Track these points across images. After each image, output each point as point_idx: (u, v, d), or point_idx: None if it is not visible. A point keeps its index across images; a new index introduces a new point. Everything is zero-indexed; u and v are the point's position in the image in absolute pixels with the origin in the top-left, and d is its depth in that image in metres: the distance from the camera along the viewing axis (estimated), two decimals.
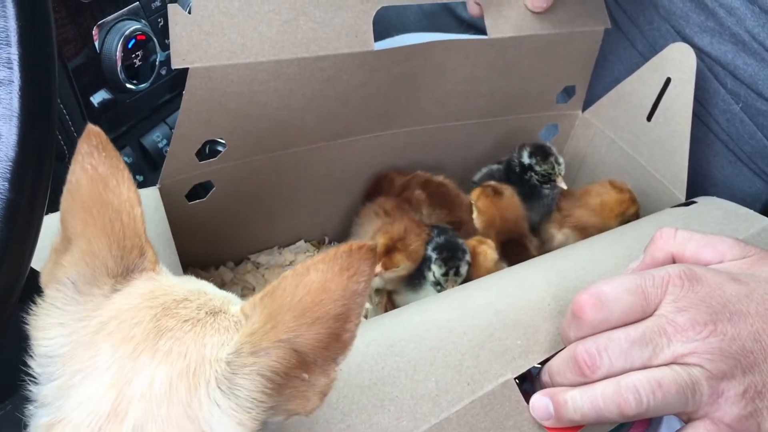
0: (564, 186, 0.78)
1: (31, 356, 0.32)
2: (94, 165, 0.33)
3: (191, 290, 0.34)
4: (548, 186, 0.79)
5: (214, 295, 0.34)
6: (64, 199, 0.33)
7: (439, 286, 0.69)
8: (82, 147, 0.33)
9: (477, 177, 0.85)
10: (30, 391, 0.31)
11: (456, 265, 0.68)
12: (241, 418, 0.30)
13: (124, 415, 0.29)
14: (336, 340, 0.30)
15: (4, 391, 0.64)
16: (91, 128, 0.34)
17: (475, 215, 0.76)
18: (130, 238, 0.33)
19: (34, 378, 0.31)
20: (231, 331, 0.31)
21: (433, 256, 0.69)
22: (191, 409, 0.29)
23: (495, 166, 0.85)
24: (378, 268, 0.67)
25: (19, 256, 0.34)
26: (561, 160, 0.79)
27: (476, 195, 0.76)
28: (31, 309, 0.32)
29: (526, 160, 0.79)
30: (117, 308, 0.32)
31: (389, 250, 0.67)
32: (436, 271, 0.69)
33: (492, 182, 0.77)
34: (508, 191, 0.76)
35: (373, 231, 0.71)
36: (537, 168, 0.78)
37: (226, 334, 0.31)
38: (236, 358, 0.30)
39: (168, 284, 0.34)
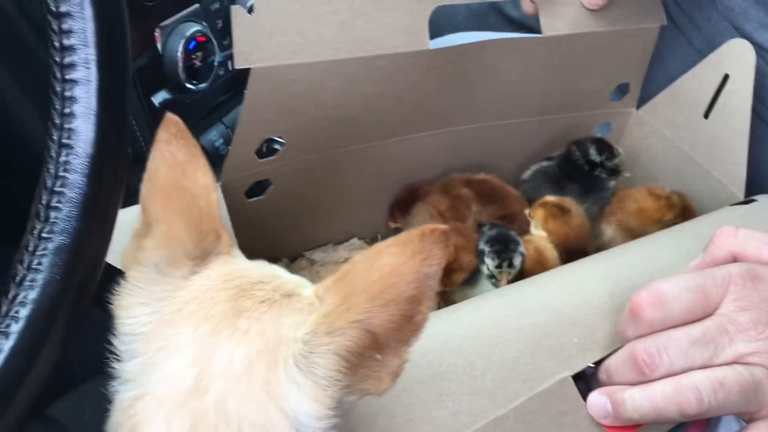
0: (628, 174, 0.79)
1: (114, 335, 0.33)
2: (173, 152, 0.35)
3: (265, 273, 0.35)
4: (614, 177, 0.79)
5: (287, 279, 0.35)
6: (144, 186, 0.35)
7: (493, 279, 0.69)
8: (161, 135, 0.35)
9: (527, 175, 0.85)
10: (114, 368, 0.33)
11: (509, 256, 0.68)
12: (317, 395, 0.31)
13: (206, 390, 0.30)
14: (408, 322, 0.31)
15: (71, 381, 0.66)
16: (170, 117, 0.35)
17: (538, 231, 0.75)
18: (206, 222, 0.34)
19: (118, 356, 0.33)
20: (305, 312, 0.32)
21: (486, 249, 0.69)
22: (270, 386, 0.30)
23: (545, 163, 0.84)
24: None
25: (96, 250, 0.35)
26: (621, 150, 0.80)
27: (542, 216, 0.75)
28: (114, 291, 0.34)
29: (595, 157, 0.79)
30: (196, 289, 0.33)
31: (446, 273, 0.68)
32: (489, 264, 0.69)
33: (552, 199, 0.76)
34: (574, 207, 0.75)
35: None
36: (608, 163, 0.78)
37: (301, 315, 0.32)
38: (312, 337, 0.31)
39: (243, 267, 0.35)
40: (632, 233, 0.76)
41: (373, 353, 0.32)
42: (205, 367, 0.30)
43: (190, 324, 0.32)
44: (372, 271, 0.31)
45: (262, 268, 0.36)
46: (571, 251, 0.72)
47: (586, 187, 0.79)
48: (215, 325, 0.31)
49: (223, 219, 0.59)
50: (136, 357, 0.32)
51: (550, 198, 0.76)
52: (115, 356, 0.33)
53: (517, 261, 0.69)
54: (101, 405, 0.70)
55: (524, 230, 0.76)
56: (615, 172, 0.79)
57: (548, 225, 0.74)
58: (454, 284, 0.68)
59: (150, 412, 0.30)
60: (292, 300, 0.33)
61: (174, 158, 0.35)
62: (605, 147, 0.79)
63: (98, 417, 0.69)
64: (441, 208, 0.74)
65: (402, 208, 0.79)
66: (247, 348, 0.31)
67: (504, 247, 0.69)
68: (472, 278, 0.71)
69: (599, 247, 0.79)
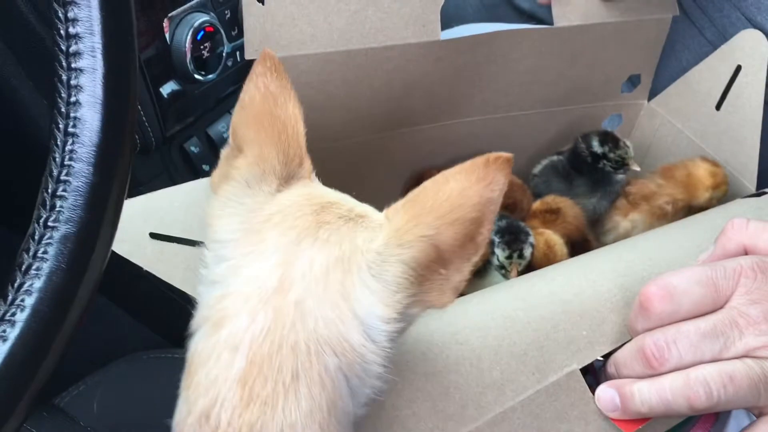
0: (637, 168, 0.77)
1: (204, 244, 0.37)
2: (266, 84, 0.38)
3: (342, 197, 0.38)
4: (621, 171, 0.78)
5: (360, 204, 0.38)
6: (237, 113, 0.39)
7: (503, 269, 0.69)
8: (257, 68, 0.38)
9: (537, 169, 0.84)
10: (200, 273, 0.37)
11: (519, 247, 0.68)
12: (387, 299, 0.34)
13: (288, 289, 0.33)
14: (471, 241, 0.34)
15: (78, 372, 0.66)
16: (266, 52, 0.39)
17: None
18: (293, 147, 0.38)
19: (204, 262, 0.37)
20: (377, 230, 0.35)
21: (496, 239, 0.69)
22: (345, 289, 0.34)
23: (555, 158, 0.84)
24: None
25: (102, 239, 0.35)
26: (629, 143, 0.78)
27: (541, 225, 0.75)
28: (210, 201, 0.38)
29: (597, 149, 0.78)
30: (282, 203, 0.36)
31: None
32: (499, 254, 0.69)
33: (537, 206, 0.76)
34: (561, 202, 0.75)
35: None
36: (611, 155, 0.77)
37: (374, 231, 0.35)
38: (384, 248, 0.34)
39: (322, 190, 0.39)
40: (649, 213, 0.76)
41: (438, 267, 0.34)
42: (288, 269, 0.34)
43: (275, 232, 0.35)
44: (439, 193, 0.34)
45: (339, 194, 0.39)
46: (575, 241, 0.72)
47: (594, 180, 0.78)
48: (298, 234, 0.35)
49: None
50: (224, 261, 0.35)
51: (536, 206, 0.75)
52: (202, 263, 0.37)
53: (527, 252, 0.69)
54: (109, 395, 0.70)
55: (525, 217, 0.76)
56: (620, 164, 0.78)
57: (551, 230, 0.74)
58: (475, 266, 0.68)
59: (237, 307, 0.33)
60: (366, 219, 0.36)
61: (267, 89, 0.38)
62: (609, 138, 0.78)
63: (106, 407, 0.69)
64: None
65: None
66: (327, 255, 0.34)
67: (514, 238, 0.69)
68: (482, 269, 0.71)
69: (610, 240, 0.78)
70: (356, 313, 0.33)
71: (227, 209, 0.37)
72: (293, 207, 0.36)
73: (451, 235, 0.34)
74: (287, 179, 0.37)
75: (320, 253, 0.34)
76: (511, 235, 0.69)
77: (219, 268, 0.35)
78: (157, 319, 0.87)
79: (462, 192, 0.33)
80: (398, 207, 0.35)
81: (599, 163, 0.78)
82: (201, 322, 0.35)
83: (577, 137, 0.80)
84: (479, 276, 0.71)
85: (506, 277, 0.69)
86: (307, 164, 0.39)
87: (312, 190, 0.38)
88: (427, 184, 0.35)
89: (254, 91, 0.38)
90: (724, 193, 0.74)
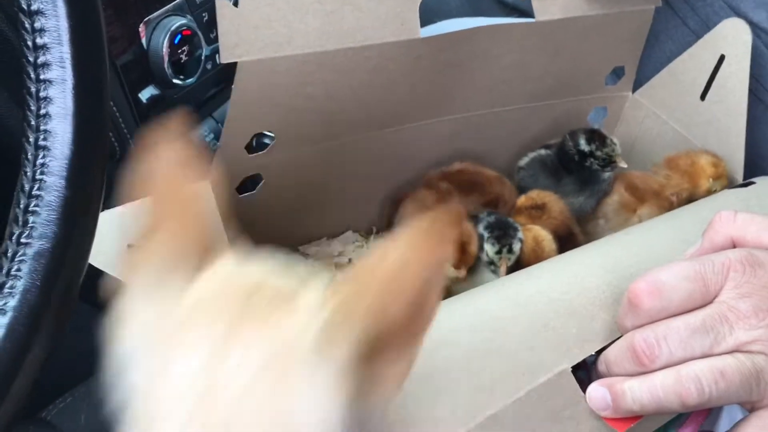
0: (625, 165, 0.77)
1: (117, 344, 0.32)
2: (172, 154, 0.34)
3: (270, 272, 0.34)
4: (609, 168, 0.78)
5: (293, 275, 0.34)
6: (143, 190, 0.34)
7: (492, 265, 0.68)
8: (161, 138, 0.34)
9: (523, 162, 0.83)
10: (114, 378, 0.32)
11: (508, 242, 0.67)
12: (330, 394, 0.30)
13: (216, 399, 0.29)
14: (419, 317, 0.31)
15: (65, 384, 0.65)
16: (170, 120, 0.34)
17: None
18: (204, 226, 0.33)
19: (119, 368, 0.32)
20: (316, 309, 0.31)
21: (485, 234, 0.68)
22: (281, 395, 0.30)
23: (543, 152, 0.83)
24: (462, 272, 0.66)
25: (78, 254, 0.35)
26: (616, 140, 0.77)
27: (527, 221, 0.74)
28: (118, 298, 0.33)
29: (584, 147, 0.77)
30: (200, 295, 0.32)
31: (463, 249, 0.66)
32: (489, 250, 0.68)
33: (522, 201, 0.75)
34: (546, 197, 0.74)
35: None
36: (598, 153, 0.77)
37: (311, 312, 0.31)
38: (323, 335, 0.30)
39: (245, 268, 0.34)
40: (657, 206, 0.76)
41: (383, 352, 0.31)
42: (214, 376, 0.29)
43: (195, 333, 0.31)
44: (382, 263, 0.30)
45: (265, 268, 0.34)
46: (561, 236, 0.72)
47: (582, 180, 0.78)
48: (221, 333, 0.30)
49: (213, 218, 0.58)
50: (139, 369, 0.31)
51: (521, 201, 0.74)
52: (116, 366, 0.32)
53: (516, 247, 0.68)
54: (96, 408, 0.69)
55: (510, 211, 0.75)
56: (608, 162, 0.77)
57: (537, 225, 0.73)
58: (471, 262, 0.67)
59: (160, 421, 0.29)
60: (300, 298, 0.32)
61: (173, 160, 0.34)
62: (596, 137, 0.77)
63: (93, 420, 0.68)
64: (428, 204, 0.72)
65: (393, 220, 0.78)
66: (257, 356, 0.30)
67: (503, 233, 0.68)
68: (472, 268, 0.70)
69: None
70: (297, 411, 0.29)
71: (137, 305, 0.32)
72: (213, 300, 0.32)
73: (397, 311, 0.30)
74: (203, 262, 0.33)
75: (249, 354, 0.30)
76: (501, 230, 0.69)
77: (134, 377, 0.31)
78: None
79: (403, 266, 0.30)
80: (336, 288, 0.31)
81: (586, 161, 0.77)
82: None
83: (565, 135, 0.79)
84: (469, 274, 0.70)
85: (495, 273, 0.69)
86: (224, 240, 0.36)
87: (234, 270, 0.33)
88: (365, 261, 0.31)
89: (157, 162, 0.33)
90: (722, 187, 0.74)
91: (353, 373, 0.30)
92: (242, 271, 0.33)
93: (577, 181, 0.78)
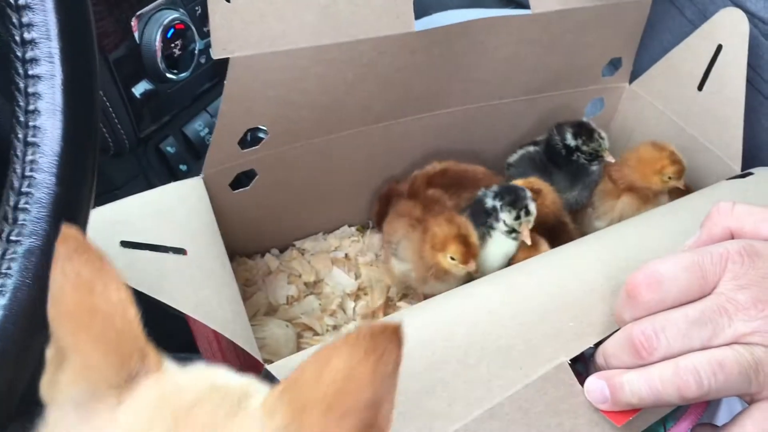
0: (612, 159, 0.76)
1: None
2: (76, 270, 0.30)
3: (204, 389, 0.30)
4: (596, 162, 0.77)
5: (230, 389, 0.31)
6: (50, 310, 0.30)
7: (513, 233, 0.67)
8: (60, 251, 0.30)
9: (513, 159, 0.83)
10: None
11: (524, 204, 0.66)
12: None
13: None
14: (370, 429, 0.28)
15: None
16: (67, 231, 0.30)
17: None
18: (127, 343, 0.30)
19: None
20: (261, 423, 0.28)
21: (497, 204, 0.67)
22: None
23: (532, 148, 0.82)
24: (472, 265, 0.65)
25: None
26: (604, 134, 0.77)
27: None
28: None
29: (570, 141, 0.77)
30: (126, 423, 0.29)
31: (465, 242, 0.65)
32: (506, 218, 0.67)
33: (525, 182, 0.74)
34: (543, 185, 0.73)
35: (418, 240, 0.68)
36: (584, 147, 0.76)
37: (256, 426, 0.28)
38: None
39: (177, 386, 0.31)
40: (639, 194, 0.76)
41: None
42: None
43: None
44: (323, 377, 0.27)
45: (199, 381, 0.31)
46: (551, 227, 0.71)
47: (572, 174, 0.77)
48: None
49: (206, 214, 0.58)
50: None
51: (517, 182, 0.73)
52: None
53: (532, 207, 0.67)
54: None
55: None
56: (594, 156, 0.77)
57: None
58: (477, 252, 0.67)
59: None
60: (238, 419, 0.29)
61: (79, 276, 0.30)
62: (583, 131, 0.77)
63: None
64: (416, 215, 0.71)
65: (385, 217, 0.77)
66: None
67: (515, 197, 0.67)
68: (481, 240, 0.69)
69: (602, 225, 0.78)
70: None
71: None
72: (141, 426, 0.28)
73: (345, 430, 0.27)
74: (129, 382, 0.29)
75: None
76: (511, 194, 0.68)
77: None
78: None
79: (349, 372, 0.27)
80: (277, 397, 0.28)
81: (573, 155, 0.77)
82: None
83: (552, 128, 0.79)
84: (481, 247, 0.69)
85: (516, 240, 0.68)
86: (152, 355, 0.31)
87: (165, 390, 0.30)
88: (307, 364, 0.28)
89: (62, 280, 0.30)
90: (677, 172, 0.74)
91: None
92: (175, 389, 0.30)
93: (568, 177, 0.77)
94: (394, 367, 0.27)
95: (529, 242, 0.67)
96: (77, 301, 0.29)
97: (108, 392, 0.29)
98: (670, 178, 0.74)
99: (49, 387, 0.30)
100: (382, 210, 0.78)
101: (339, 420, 0.27)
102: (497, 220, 0.68)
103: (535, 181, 0.73)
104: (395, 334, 0.27)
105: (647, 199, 0.77)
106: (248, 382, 0.31)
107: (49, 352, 0.30)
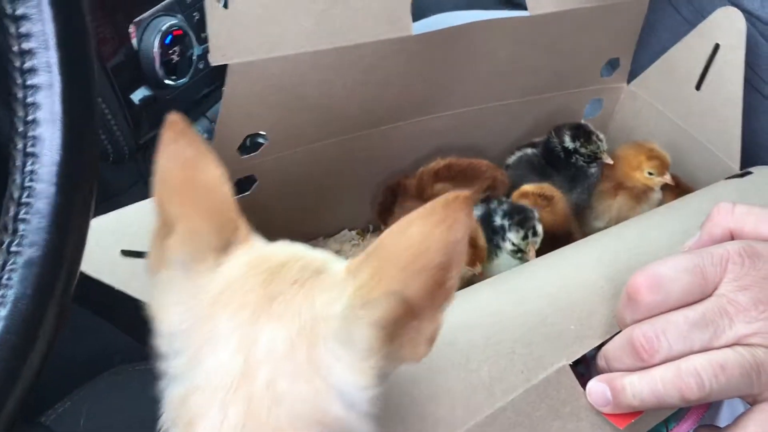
0: (610, 161, 0.77)
1: (155, 336, 0.34)
2: (181, 150, 0.35)
3: (291, 254, 0.35)
4: (594, 164, 0.77)
5: (314, 257, 0.35)
6: (157, 188, 0.35)
7: (519, 252, 0.67)
8: (166, 135, 0.35)
9: (511, 160, 0.83)
10: (158, 367, 0.34)
11: (531, 225, 0.67)
12: (359, 366, 0.32)
13: (254, 375, 0.31)
14: (440, 288, 0.32)
15: (64, 388, 0.65)
16: (172, 117, 0.35)
17: None
18: (224, 212, 0.35)
19: (162, 355, 0.34)
20: (338, 288, 0.33)
21: (506, 223, 0.68)
22: (313, 363, 0.31)
23: (529, 150, 0.82)
24: (478, 268, 0.65)
25: (69, 261, 0.34)
26: (602, 136, 0.77)
27: (528, 204, 0.74)
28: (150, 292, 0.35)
29: (569, 144, 0.77)
30: (226, 280, 0.33)
31: (473, 244, 0.66)
32: (513, 238, 0.67)
33: (531, 188, 0.74)
34: (555, 192, 0.74)
35: None
36: (583, 150, 0.76)
37: (334, 291, 0.33)
38: (348, 312, 0.32)
39: (267, 251, 0.35)
40: (629, 192, 0.77)
41: (409, 321, 0.32)
42: (250, 353, 0.31)
43: (226, 315, 0.32)
44: (401, 242, 0.31)
45: (286, 249, 0.36)
46: (558, 237, 0.71)
47: (571, 177, 0.78)
48: (251, 311, 0.32)
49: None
50: (180, 354, 0.33)
51: (529, 187, 0.74)
52: (159, 355, 0.34)
53: (539, 228, 0.68)
54: (95, 411, 0.68)
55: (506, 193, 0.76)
56: (593, 159, 0.78)
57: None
58: (484, 257, 0.67)
59: (204, 405, 0.31)
60: (323, 277, 0.33)
61: (183, 156, 0.35)
62: (581, 133, 0.77)
63: (93, 423, 0.67)
64: None
65: (388, 209, 0.77)
66: (287, 330, 0.32)
67: (524, 217, 0.68)
68: (490, 254, 0.69)
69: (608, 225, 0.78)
70: (330, 386, 0.32)
71: (169, 298, 0.34)
72: (239, 282, 0.33)
73: (419, 285, 0.31)
74: (225, 249, 0.34)
75: (280, 328, 0.32)
76: (520, 214, 0.68)
77: (176, 362, 0.33)
78: (127, 322, 0.85)
79: (424, 238, 0.31)
80: (359, 261, 0.33)
81: (572, 158, 0.77)
82: (170, 425, 0.33)
83: (550, 131, 0.79)
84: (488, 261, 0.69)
85: (522, 260, 0.68)
86: (244, 225, 0.36)
87: (256, 254, 0.35)
88: (387, 233, 0.32)
89: (169, 160, 0.35)
90: (656, 167, 0.75)
91: (380, 341, 0.32)
92: (265, 254, 0.35)
93: (567, 179, 0.78)
94: (463, 233, 0.31)
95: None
96: (184, 178, 0.34)
97: (209, 255, 0.34)
98: (651, 173, 0.74)
99: (156, 256, 0.35)
100: (386, 202, 0.78)
101: (414, 275, 0.31)
102: (504, 239, 0.68)
103: (548, 188, 0.74)
104: (465, 203, 0.31)
105: (639, 196, 0.77)
106: (327, 254, 0.36)
107: (155, 227, 0.35)
